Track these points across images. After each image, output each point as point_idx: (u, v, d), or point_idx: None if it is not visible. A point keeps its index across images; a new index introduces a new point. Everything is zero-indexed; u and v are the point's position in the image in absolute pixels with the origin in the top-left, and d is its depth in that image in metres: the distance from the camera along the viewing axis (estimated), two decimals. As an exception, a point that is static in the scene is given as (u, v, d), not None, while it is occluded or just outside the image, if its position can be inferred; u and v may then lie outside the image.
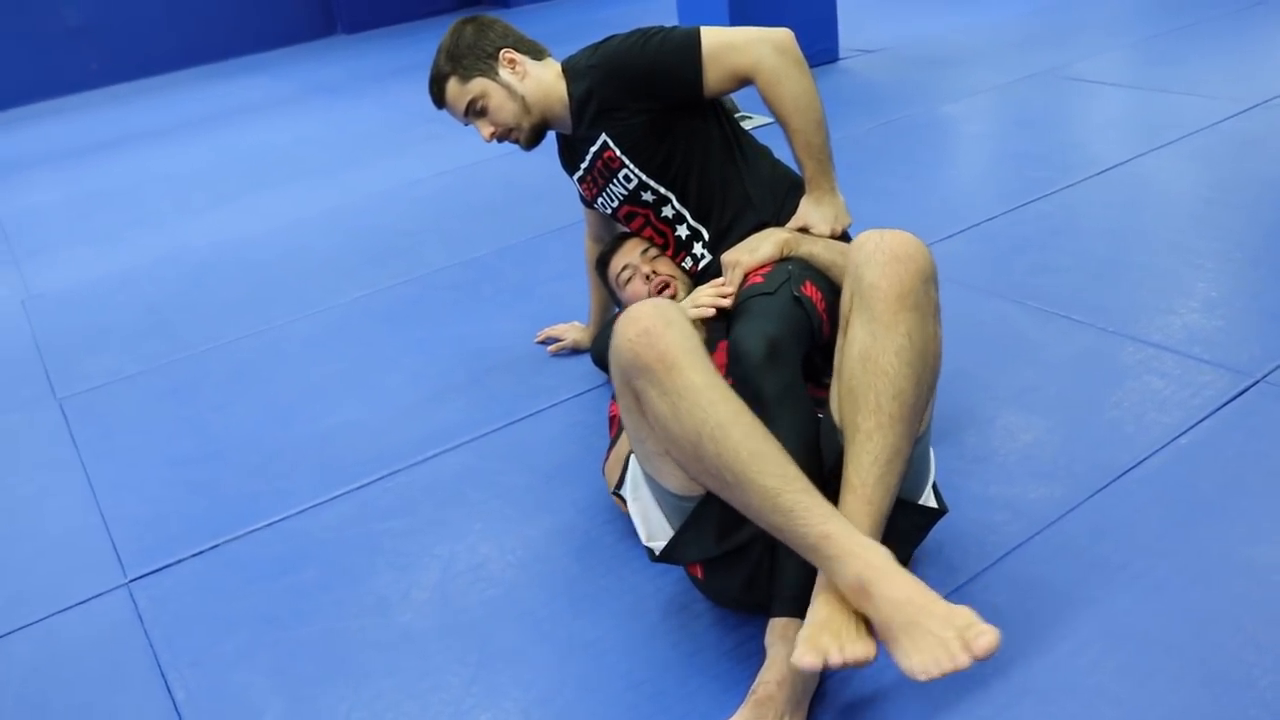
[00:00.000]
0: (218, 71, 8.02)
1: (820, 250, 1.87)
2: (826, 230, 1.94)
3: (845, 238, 2.00)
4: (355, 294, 3.26)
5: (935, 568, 1.72)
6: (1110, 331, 2.39)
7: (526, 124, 2.13)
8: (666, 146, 2.04)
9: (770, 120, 4.38)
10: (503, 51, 2.11)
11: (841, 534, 1.34)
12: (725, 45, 1.92)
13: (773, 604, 1.51)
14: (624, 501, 1.72)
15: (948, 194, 3.40)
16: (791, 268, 1.81)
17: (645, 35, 1.99)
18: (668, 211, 2.12)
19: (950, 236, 3.01)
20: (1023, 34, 5.40)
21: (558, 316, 2.76)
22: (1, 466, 2.58)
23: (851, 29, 5.51)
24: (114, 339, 3.24)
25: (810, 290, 1.76)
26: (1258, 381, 2.12)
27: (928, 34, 5.65)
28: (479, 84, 2.11)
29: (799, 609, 1.44)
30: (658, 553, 1.62)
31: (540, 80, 2.12)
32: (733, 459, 1.37)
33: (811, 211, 1.97)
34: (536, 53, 2.17)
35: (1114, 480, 1.89)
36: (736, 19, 4.90)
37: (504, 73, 2.11)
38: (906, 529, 1.57)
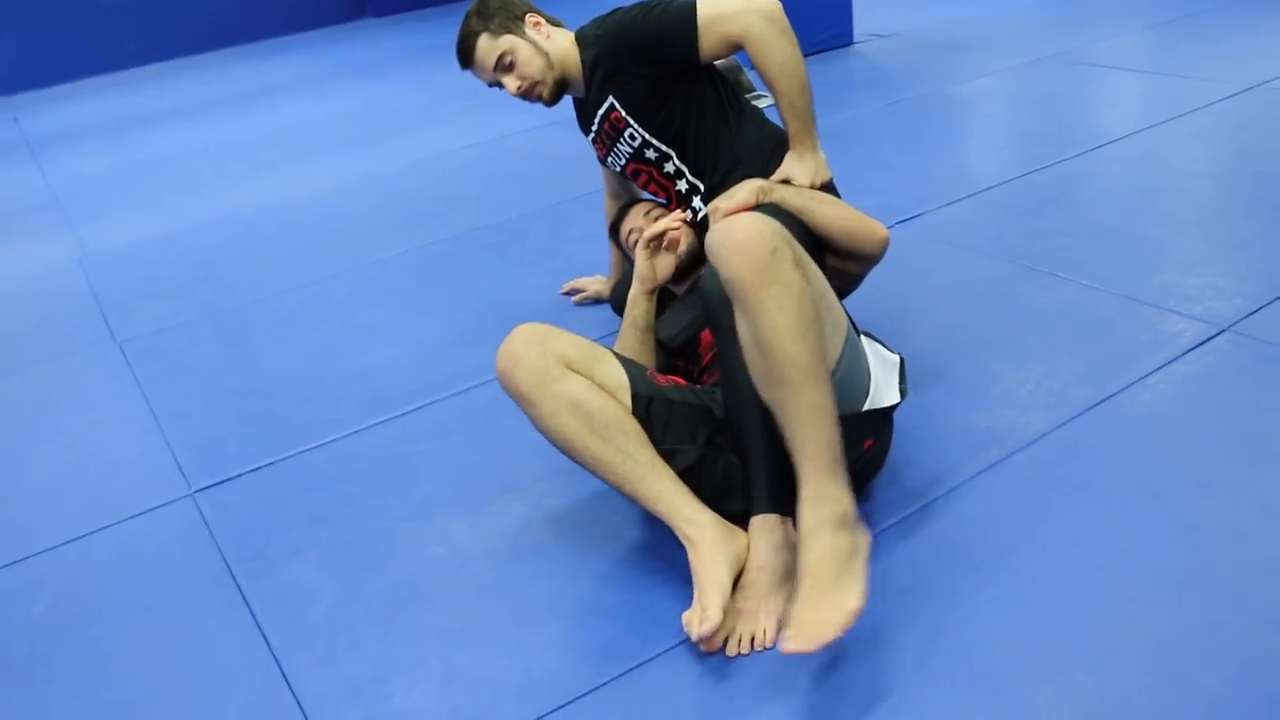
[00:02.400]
0: (251, 52, 8.26)
1: (791, 196, 2.06)
2: (806, 182, 2.15)
3: (830, 189, 2.21)
4: (392, 251, 3.48)
5: (916, 481, 1.93)
6: (1092, 287, 2.58)
7: (550, 79, 2.32)
8: (667, 108, 2.25)
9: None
10: (528, 14, 2.33)
11: (668, 512, 1.72)
12: (718, 16, 2.11)
13: (753, 505, 1.72)
14: None
15: (950, 166, 3.59)
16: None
17: (647, 7, 2.19)
18: (669, 168, 2.33)
19: (951, 204, 3.20)
20: (1033, 21, 5.57)
21: (581, 272, 2.97)
22: (70, 399, 2.82)
23: (866, 14, 5.68)
24: (166, 291, 3.47)
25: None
26: (1224, 330, 2.31)
27: (941, 20, 5.82)
28: (508, 40, 2.30)
29: (772, 506, 1.70)
30: None
31: (561, 43, 2.33)
32: (585, 466, 1.77)
33: (794, 166, 2.18)
34: (555, 21, 2.39)
35: (1084, 411, 2.09)
36: (756, 3, 5.08)
37: (530, 32, 2.31)
38: (854, 437, 1.71)
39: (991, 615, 1.61)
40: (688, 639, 1.62)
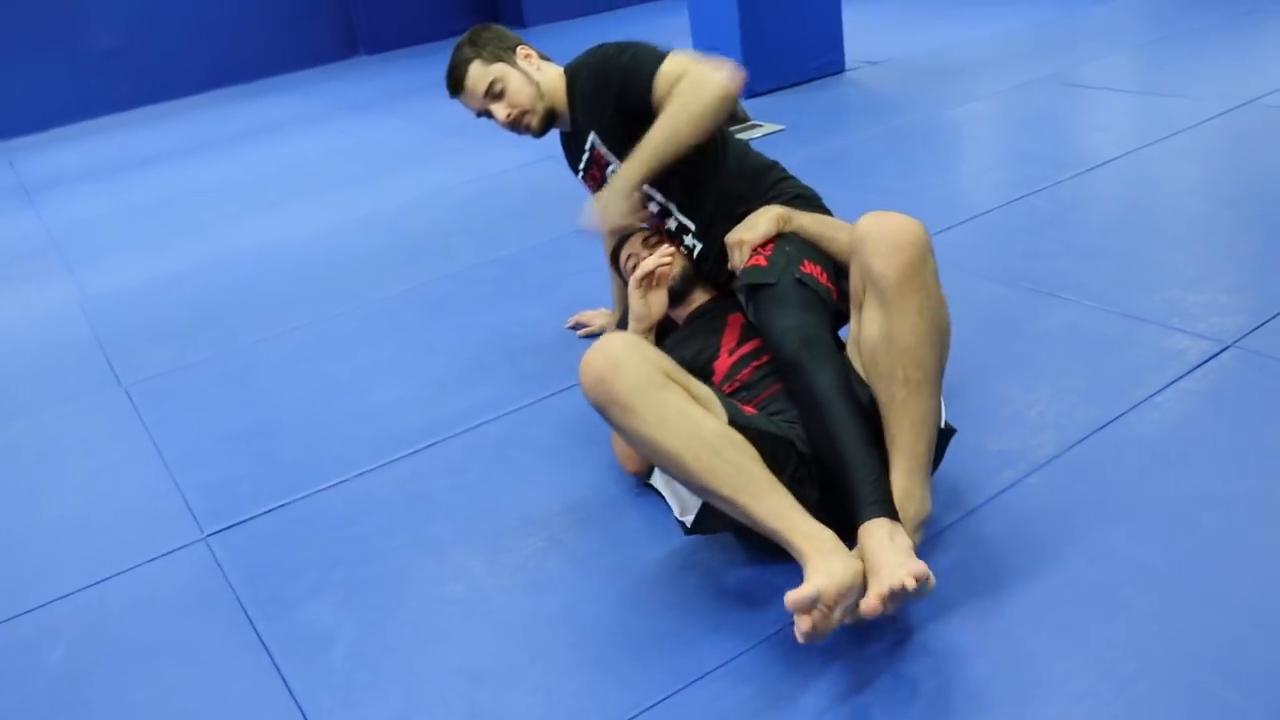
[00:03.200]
0: (244, 93, 8.30)
1: (809, 223, 2.09)
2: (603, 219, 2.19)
3: (823, 209, 2.24)
4: (395, 288, 3.49)
5: (938, 504, 1.93)
6: (1095, 307, 2.60)
7: (540, 109, 2.33)
8: None
9: (779, 127, 4.64)
10: (520, 46, 2.36)
11: (788, 529, 1.60)
12: (675, 72, 2.12)
13: (863, 512, 1.64)
14: (654, 488, 1.96)
15: (947, 191, 3.62)
16: (789, 249, 2.02)
17: (622, 47, 2.22)
18: (653, 206, 2.33)
19: (949, 228, 3.22)
20: (1022, 45, 5.63)
21: (582, 305, 2.98)
22: (77, 444, 2.81)
23: (858, 42, 5.75)
24: (170, 333, 3.47)
25: (809, 267, 1.98)
26: (1228, 347, 2.33)
27: (931, 46, 5.88)
28: (500, 68, 2.32)
29: (884, 510, 1.63)
30: (689, 525, 1.81)
31: (551, 75, 2.36)
32: (695, 477, 1.64)
33: (596, 200, 2.24)
34: (545, 57, 2.41)
35: (1095, 432, 2.10)
36: (747, 35, 5.15)
37: (522, 62, 2.34)
38: (937, 453, 1.81)
39: (1016, 637, 1.61)
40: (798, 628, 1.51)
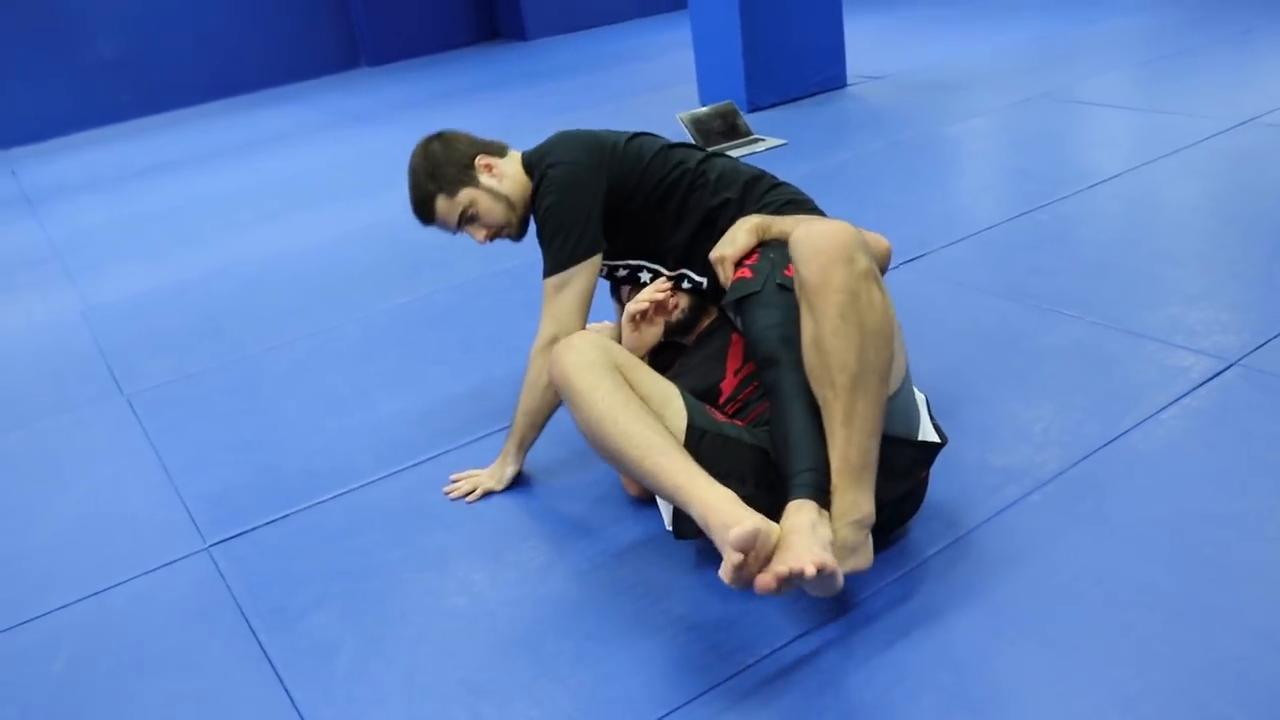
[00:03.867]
0: (246, 103, 8.32)
1: (789, 226, 2.07)
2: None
3: (816, 211, 2.25)
4: (399, 300, 3.50)
5: (939, 520, 1.94)
6: (1098, 324, 2.60)
7: (515, 219, 2.31)
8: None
9: (781, 142, 4.65)
10: (477, 158, 2.30)
11: (687, 484, 1.64)
12: (546, 290, 2.19)
13: (790, 491, 1.67)
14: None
15: (948, 207, 3.63)
16: (773, 255, 2.01)
17: (544, 195, 2.19)
18: (621, 273, 2.40)
19: (951, 244, 3.23)
20: (1022, 61, 5.66)
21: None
22: (79, 454, 2.81)
23: (859, 57, 5.77)
24: (172, 343, 3.47)
25: (792, 271, 1.97)
26: (1232, 365, 2.33)
27: (932, 61, 5.91)
28: (466, 194, 2.28)
29: (811, 493, 1.64)
30: (671, 528, 1.84)
31: (515, 177, 2.30)
32: (613, 441, 1.72)
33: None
34: (500, 150, 2.35)
35: (1099, 449, 2.10)
36: (749, 49, 5.17)
37: (484, 178, 2.28)
38: (904, 464, 1.79)
39: (1019, 655, 1.61)
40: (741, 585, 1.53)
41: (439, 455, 2.47)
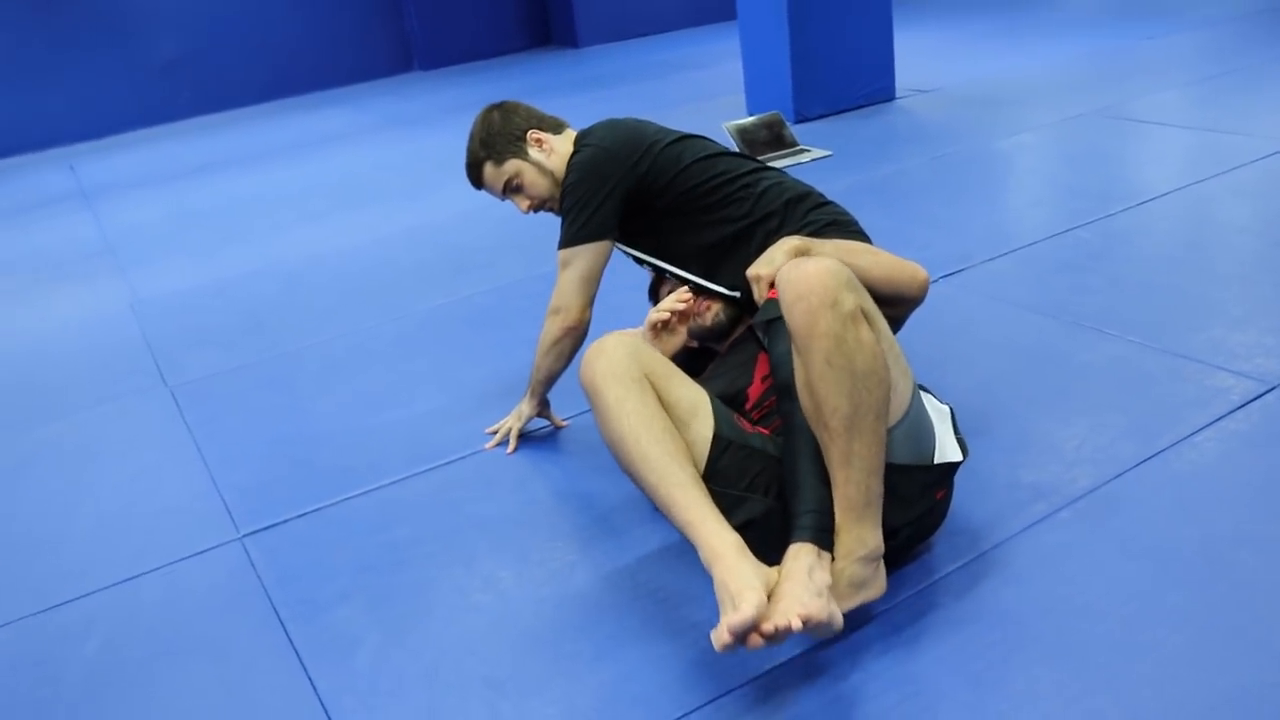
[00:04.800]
0: (300, 104, 8.44)
1: (829, 251, 2.07)
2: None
3: (862, 237, 2.25)
4: (439, 301, 3.54)
5: (963, 536, 1.92)
6: (1138, 343, 2.57)
7: (558, 194, 2.37)
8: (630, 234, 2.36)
9: (827, 153, 4.64)
10: (530, 132, 2.38)
11: (697, 522, 1.65)
12: (559, 262, 2.30)
13: (793, 534, 1.67)
14: None
15: (994, 221, 3.60)
16: None
17: (570, 181, 2.28)
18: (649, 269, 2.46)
19: (994, 258, 3.21)
20: (1074, 77, 5.60)
21: (627, 322, 2.97)
22: (122, 442, 2.87)
23: (909, 70, 5.74)
24: (216, 338, 3.54)
25: None
26: (1273, 388, 2.29)
27: (983, 75, 5.86)
28: (513, 165, 2.37)
29: (813, 536, 1.65)
30: None
31: (564, 154, 2.37)
32: (632, 461, 1.74)
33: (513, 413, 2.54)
34: (557, 127, 2.43)
35: (1132, 468, 2.07)
36: (798, 60, 5.17)
37: (533, 152, 2.37)
38: (914, 490, 1.77)
39: (1040, 673, 1.59)
40: (726, 648, 1.51)
41: (470, 455, 2.49)
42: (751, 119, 4.77)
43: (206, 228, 5.09)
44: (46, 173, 7.11)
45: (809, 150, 4.70)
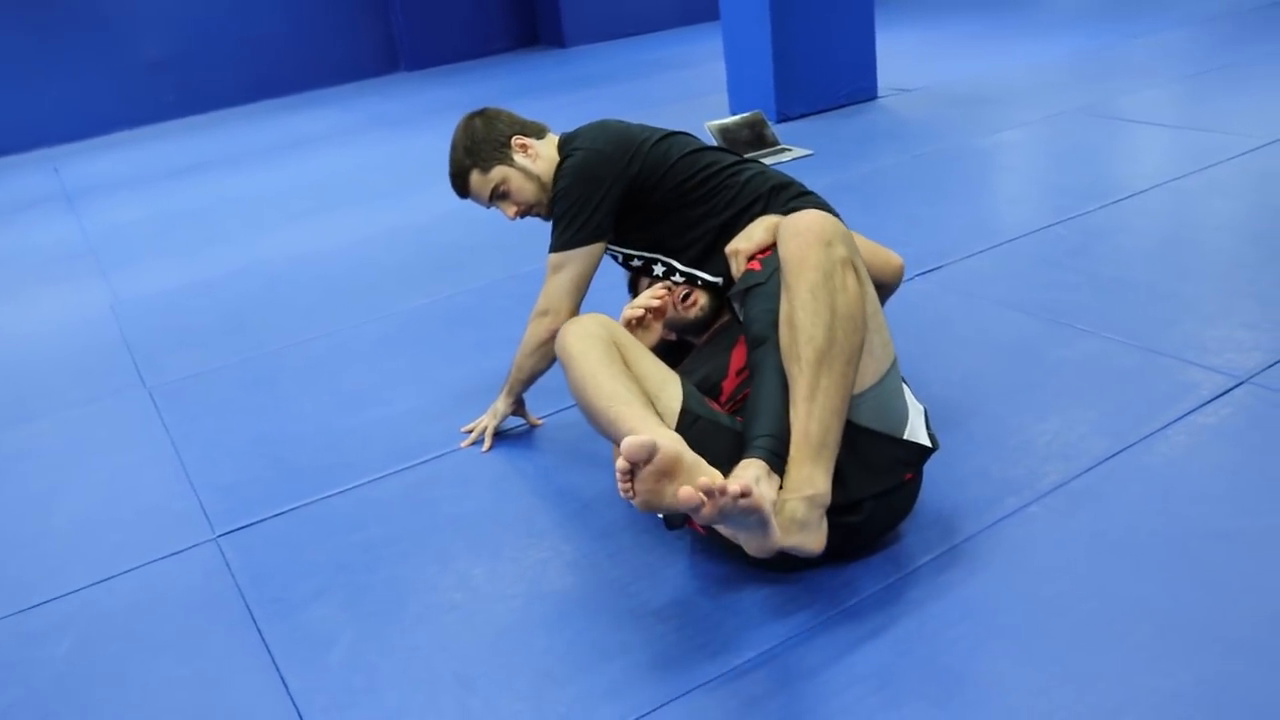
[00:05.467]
0: (286, 105, 8.42)
1: None
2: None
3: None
4: (419, 301, 3.54)
5: (934, 529, 1.93)
6: (1112, 339, 2.58)
7: (545, 199, 2.39)
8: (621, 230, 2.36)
9: (808, 152, 4.65)
10: (514, 138, 2.38)
11: (643, 429, 1.67)
12: (549, 265, 2.34)
13: (745, 452, 1.71)
14: None
15: (973, 218, 3.61)
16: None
17: (561, 185, 2.28)
18: (636, 263, 2.45)
19: (972, 255, 3.22)
20: (1056, 75, 5.62)
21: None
22: (99, 443, 2.86)
23: (891, 69, 5.75)
24: (196, 338, 3.53)
25: None
26: (1243, 382, 2.31)
27: (964, 75, 5.88)
28: (499, 171, 2.37)
29: (765, 456, 1.69)
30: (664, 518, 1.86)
31: (549, 158, 2.38)
32: (589, 395, 1.83)
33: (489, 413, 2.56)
34: (539, 132, 2.44)
35: (1102, 462, 2.09)
36: (780, 60, 5.18)
37: (519, 157, 2.37)
38: (884, 462, 1.80)
39: (1005, 666, 1.60)
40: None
41: (447, 454, 2.49)
42: (734, 118, 4.78)
43: (189, 228, 5.08)
44: (30, 174, 7.09)
45: (790, 149, 4.71)
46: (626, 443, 1.52)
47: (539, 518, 2.19)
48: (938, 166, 4.28)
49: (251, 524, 2.33)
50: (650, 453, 1.52)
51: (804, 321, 1.71)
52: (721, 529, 1.65)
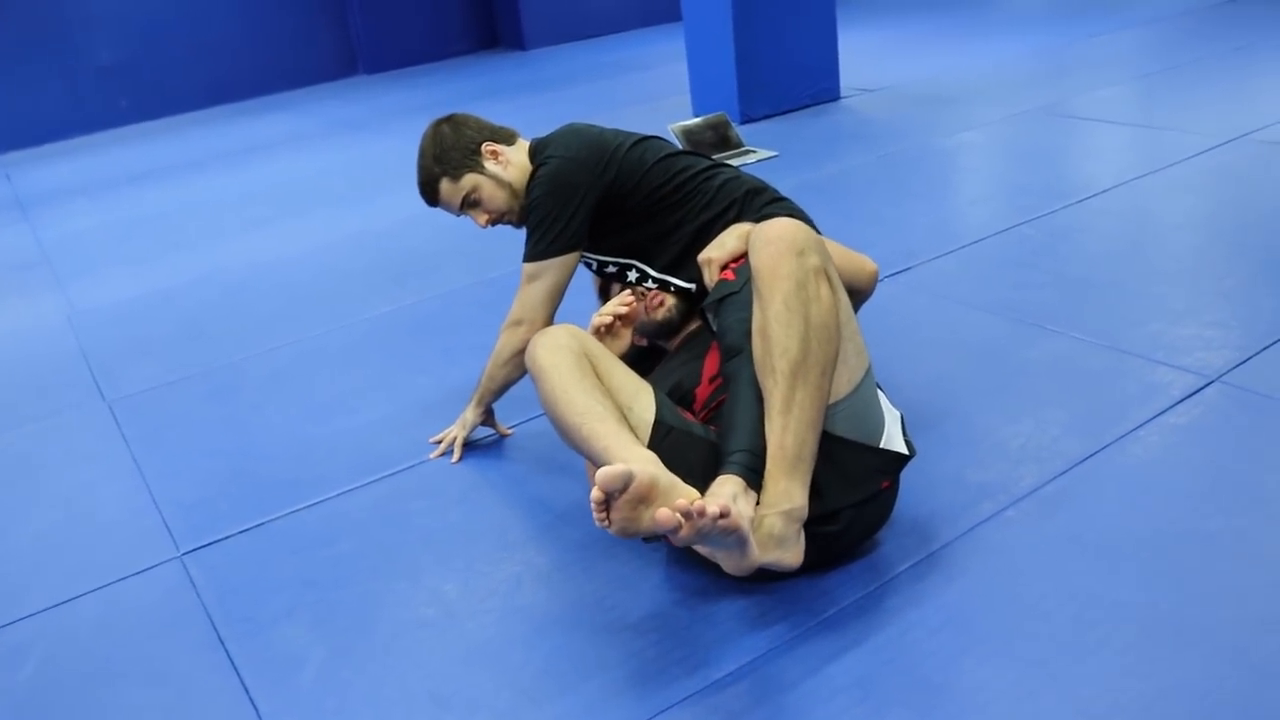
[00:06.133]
0: (243, 110, 8.31)
1: None
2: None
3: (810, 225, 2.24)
4: (383, 309, 3.49)
5: (911, 536, 1.92)
6: (1081, 339, 2.59)
7: (516, 206, 2.35)
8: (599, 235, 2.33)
9: (773, 154, 4.65)
10: (484, 145, 2.34)
11: (615, 446, 1.67)
12: (524, 275, 2.30)
13: (721, 468, 1.69)
14: None
15: (938, 219, 3.62)
16: None
17: (534, 191, 2.25)
18: (611, 269, 2.42)
19: (939, 257, 3.22)
20: (1017, 75, 5.66)
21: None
22: (58, 459, 2.80)
23: (853, 70, 5.77)
24: (156, 349, 3.46)
25: None
26: (1213, 381, 2.32)
27: (926, 75, 5.91)
28: (470, 179, 2.33)
29: (742, 471, 1.67)
30: None
31: (520, 165, 2.34)
32: (561, 410, 1.80)
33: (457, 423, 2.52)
34: (509, 138, 2.40)
35: (1076, 465, 2.09)
36: (743, 61, 5.17)
37: (489, 165, 2.33)
38: (861, 471, 1.78)
39: (986, 673, 1.59)
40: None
41: (415, 465, 2.45)
42: (697, 120, 4.77)
43: (146, 236, 5.00)
44: (-19, 182, 6.96)
45: (755, 151, 4.71)
46: (601, 474, 1.49)
47: (511, 530, 2.16)
48: (902, 167, 4.29)
49: (217, 541, 2.28)
50: (625, 481, 1.49)
51: (778, 333, 1.69)
52: (699, 548, 1.63)
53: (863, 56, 6.34)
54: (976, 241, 3.32)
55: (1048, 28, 6.81)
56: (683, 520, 1.48)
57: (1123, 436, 2.16)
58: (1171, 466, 2.05)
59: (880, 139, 4.72)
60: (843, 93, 5.60)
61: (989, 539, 1.90)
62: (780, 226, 1.78)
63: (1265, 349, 2.43)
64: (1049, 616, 1.69)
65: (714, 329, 1.99)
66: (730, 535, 1.55)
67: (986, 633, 1.68)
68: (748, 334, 1.79)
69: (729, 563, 1.62)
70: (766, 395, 1.71)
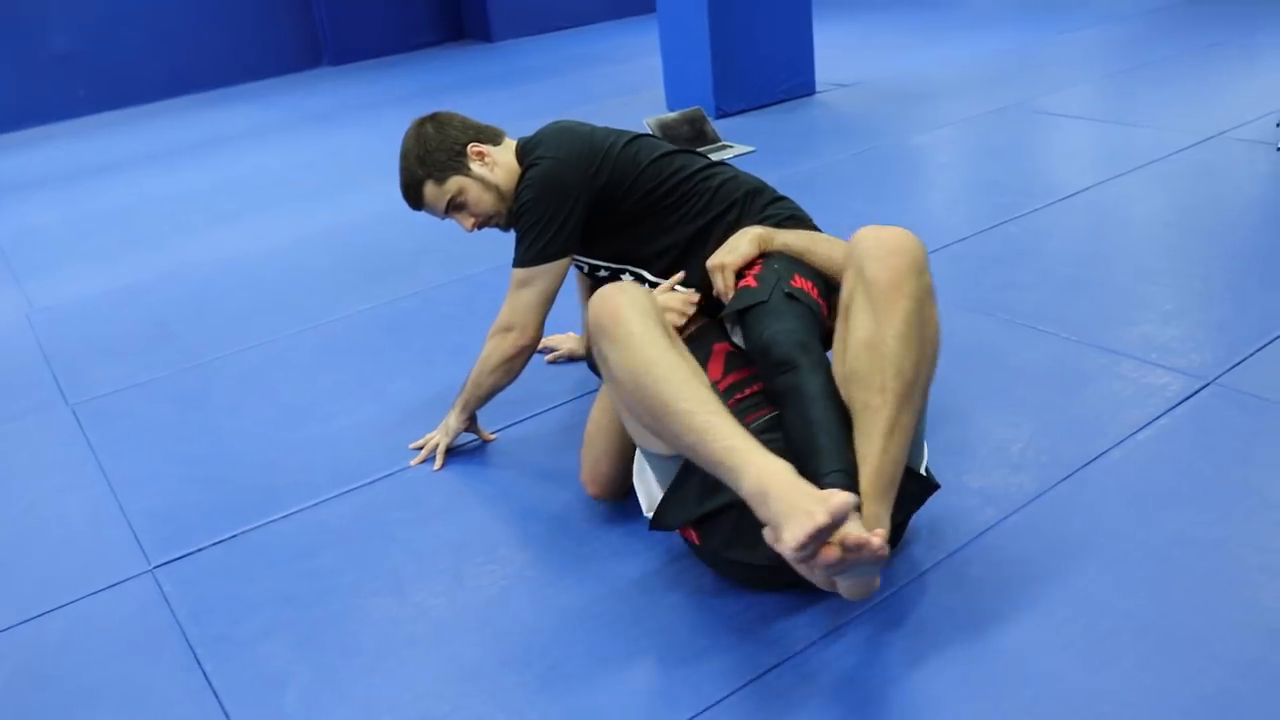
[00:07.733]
0: (205, 101, 8.14)
1: (793, 240, 2.03)
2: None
3: (813, 228, 2.21)
4: (358, 307, 3.40)
5: (917, 545, 1.88)
6: (1073, 340, 2.56)
7: (504, 209, 2.27)
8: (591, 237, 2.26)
9: (749, 149, 4.59)
10: (470, 145, 2.25)
11: (743, 447, 1.49)
12: (513, 281, 2.20)
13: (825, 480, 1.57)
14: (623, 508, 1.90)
15: (917, 217, 3.58)
16: (777, 266, 1.95)
17: (524, 192, 2.17)
18: (602, 274, 2.36)
19: (924, 255, 3.18)
20: (994, 70, 5.64)
21: (553, 328, 2.89)
22: (20, 465, 2.69)
23: (828, 64, 5.72)
24: (121, 349, 3.35)
25: (800, 282, 1.91)
26: (1208, 384, 2.29)
27: (902, 70, 5.88)
28: (455, 181, 2.24)
29: (848, 483, 1.56)
30: (650, 519, 1.77)
31: (507, 166, 2.26)
32: (659, 389, 1.57)
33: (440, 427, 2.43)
34: (495, 137, 2.31)
35: (1077, 470, 2.05)
36: (718, 55, 5.11)
37: (475, 166, 2.24)
38: (907, 495, 1.72)
39: (1000, 690, 1.55)
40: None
41: (396, 472, 2.38)
42: (673, 114, 4.70)
43: (108, 231, 4.85)
44: (-67, 174, 6.75)
45: (731, 146, 4.65)
46: (838, 500, 1.34)
47: (499, 540, 2.09)
48: (879, 163, 4.25)
49: (190, 553, 2.19)
50: (847, 510, 1.34)
51: (897, 352, 1.61)
52: (818, 575, 1.47)
53: (837, 51, 6.30)
54: (961, 240, 3.28)
55: (1021, 24, 6.80)
56: (839, 561, 1.38)
57: (1123, 440, 2.12)
58: (1173, 471, 2.02)
59: (857, 135, 4.68)
60: (818, 87, 5.55)
61: (995, 548, 1.86)
62: (901, 238, 1.70)
63: (1259, 350, 2.41)
64: (1060, 628, 1.65)
65: (735, 339, 1.92)
66: (879, 563, 1.44)
67: (997, 645, 1.63)
68: (799, 346, 1.72)
69: (855, 589, 1.51)
70: (867, 412, 1.61)
